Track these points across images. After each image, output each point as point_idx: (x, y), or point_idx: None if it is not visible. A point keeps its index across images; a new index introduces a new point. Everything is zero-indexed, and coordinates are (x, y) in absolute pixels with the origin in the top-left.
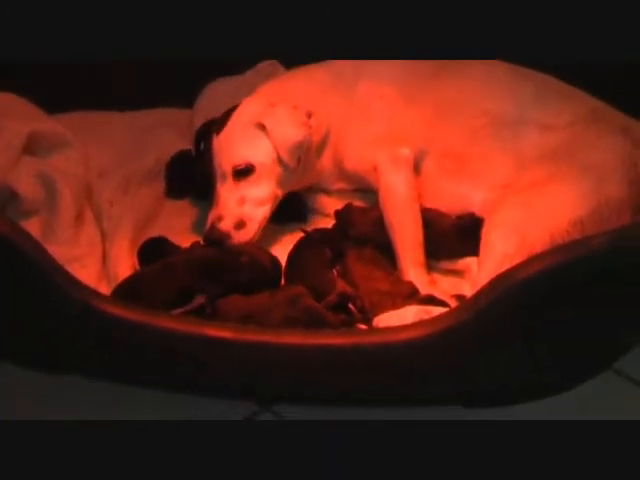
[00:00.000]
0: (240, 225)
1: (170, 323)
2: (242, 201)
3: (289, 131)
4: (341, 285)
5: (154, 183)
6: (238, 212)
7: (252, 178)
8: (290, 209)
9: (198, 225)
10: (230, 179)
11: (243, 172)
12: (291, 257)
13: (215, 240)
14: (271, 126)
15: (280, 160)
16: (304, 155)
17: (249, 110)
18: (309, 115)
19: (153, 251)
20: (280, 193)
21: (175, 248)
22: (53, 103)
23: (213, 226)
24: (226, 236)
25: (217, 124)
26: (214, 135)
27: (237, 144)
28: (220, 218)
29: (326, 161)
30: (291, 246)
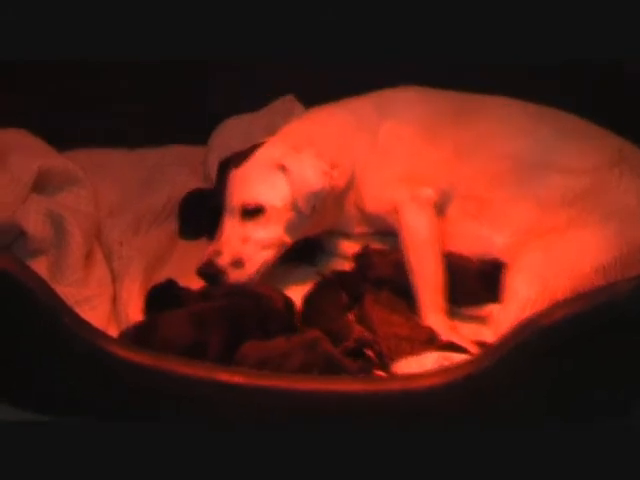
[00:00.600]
0: (238, 264)
1: (182, 368)
2: (245, 240)
3: (309, 178)
4: (358, 330)
5: (165, 223)
6: (238, 250)
7: (260, 220)
8: (301, 249)
9: None
10: (237, 216)
11: (252, 212)
12: (307, 300)
13: (208, 274)
14: (292, 169)
15: (294, 205)
16: (320, 204)
17: (272, 150)
18: (333, 166)
19: (161, 295)
20: (288, 240)
21: (184, 291)
22: (62, 140)
23: (210, 260)
24: (221, 272)
25: (238, 158)
26: (232, 168)
27: (252, 181)
28: (218, 253)
29: (348, 205)
30: (305, 288)
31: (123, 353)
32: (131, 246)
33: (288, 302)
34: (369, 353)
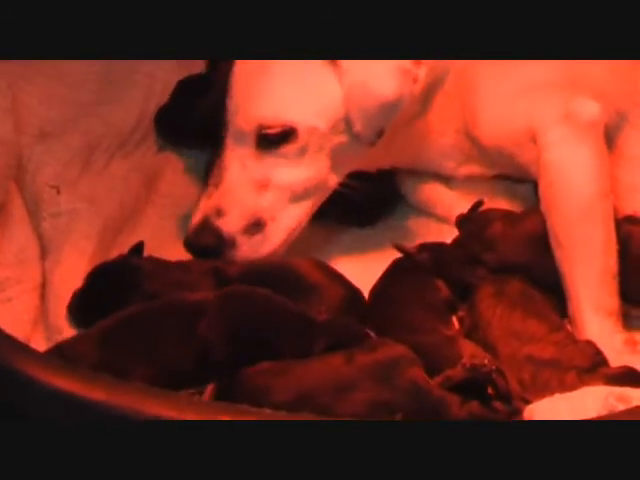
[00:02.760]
0: (256, 227)
1: (152, 406)
2: (264, 186)
3: (377, 79)
4: (469, 348)
5: (137, 152)
6: (253, 204)
7: (289, 149)
8: (359, 200)
9: None
10: (250, 145)
11: (276, 138)
12: (378, 292)
13: (203, 248)
14: (351, 67)
15: (347, 125)
16: (393, 124)
17: None
18: (418, 62)
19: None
20: (334, 180)
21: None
22: None
23: (205, 222)
24: (228, 243)
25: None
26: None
27: (276, 84)
28: (221, 211)
29: (441, 126)
30: (367, 270)
31: (49, 378)
32: (75, 194)
33: (351, 293)
34: (488, 388)
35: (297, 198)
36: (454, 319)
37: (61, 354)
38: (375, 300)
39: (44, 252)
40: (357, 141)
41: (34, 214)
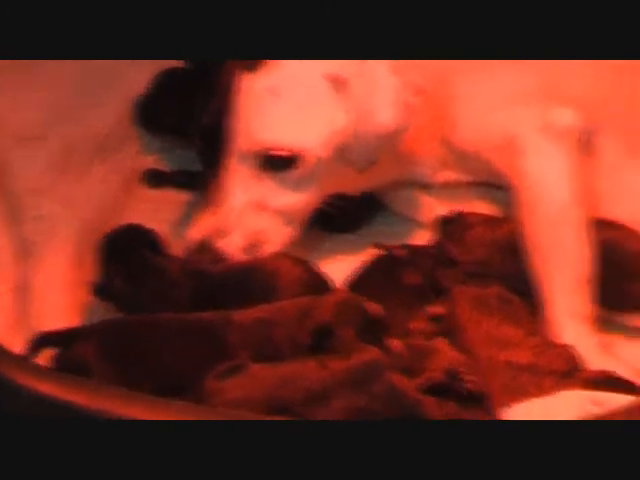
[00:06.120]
0: (252, 249)
1: (131, 410)
2: (262, 207)
3: (382, 113)
4: (447, 352)
5: (115, 156)
6: (253, 226)
7: (293, 174)
8: (341, 208)
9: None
10: (254, 166)
11: (282, 162)
12: (352, 283)
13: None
14: (357, 94)
15: (343, 152)
16: (387, 150)
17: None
18: (419, 91)
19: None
20: (320, 200)
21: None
22: None
23: (208, 242)
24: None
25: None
26: (245, 72)
27: (286, 110)
28: (223, 232)
29: (418, 133)
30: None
31: (28, 380)
32: (55, 197)
33: (320, 282)
34: (465, 390)
35: (291, 220)
36: (430, 322)
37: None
38: (350, 290)
39: (26, 255)
40: (348, 167)
41: (14, 217)
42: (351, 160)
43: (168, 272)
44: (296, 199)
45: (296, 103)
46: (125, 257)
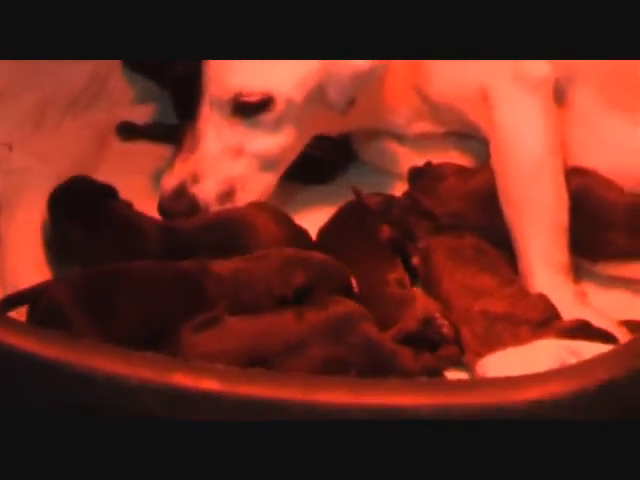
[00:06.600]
0: (227, 196)
1: (108, 364)
2: (238, 153)
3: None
4: (422, 301)
5: (88, 111)
6: (228, 172)
7: (265, 118)
8: (316, 159)
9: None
10: (227, 112)
11: (253, 106)
12: (325, 231)
13: (179, 214)
14: None
15: (320, 94)
16: (364, 93)
17: None
18: None
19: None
20: (301, 145)
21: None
22: None
23: (182, 188)
24: (202, 210)
25: None
26: None
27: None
28: (196, 177)
29: (392, 83)
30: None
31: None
32: (28, 152)
33: (295, 232)
34: (441, 340)
35: (267, 166)
36: (405, 272)
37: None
38: (321, 239)
39: None
40: (328, 109)
41: None
42: (328, 102)
43: (134, 221)
44: (272, 143)
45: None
46: (83, 208)
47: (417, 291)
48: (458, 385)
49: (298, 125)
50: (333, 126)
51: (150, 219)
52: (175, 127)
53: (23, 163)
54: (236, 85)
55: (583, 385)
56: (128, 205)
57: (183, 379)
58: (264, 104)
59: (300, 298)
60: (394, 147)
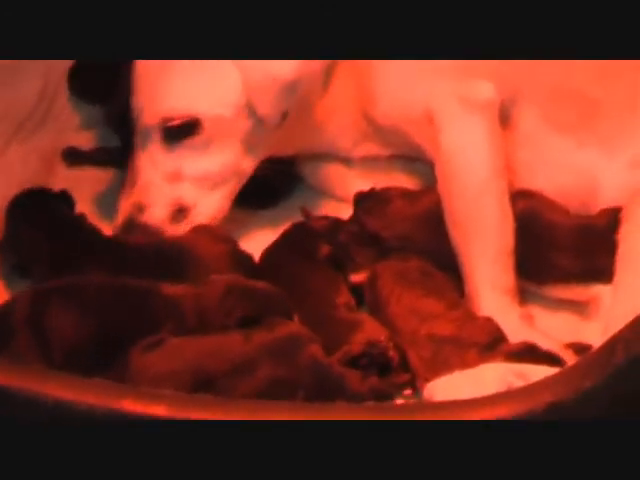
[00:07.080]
0: (181, 213)
1: (60, 391)
2: (176, 178)
3: (276, 62)
4: (369, 325)
5: (33, 138)
6: (173, 194)
7: (196, 140)
8: (259, 183)
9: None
10: (157, 140)
11: (180, 130)
12: (268, 253)
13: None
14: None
15: (251, 111)
16: (298, 105)
17: None
18: None
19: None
20: (250, 165)
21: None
22: None
23: (131, 220)
24: (155, 231)
25: None
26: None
27: (177, 80)
28: (141, 207)
29: (337, 104)
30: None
31: None
32: None
33: (236, 253)
34: (387, 364)
35: (215, 185)
36: (350, 296)
37: None
38: (265, 260)
39: None
40: (263, 125)
41: None
42: (262, 117)
43: (86, 231)
44: (211, 163)
45: (187, 73)
46: (40, 211)
47: (364, 315)
48: (404, 408)
49: (237, 143)
50: (278, 146)
51: (101, 232)
52: (119, 150)
53: None
54: (161, 111)
55: (530, 407)
56: (82, 216)
57: (132, 405)
58: (191, 126)
59: (243, 325)
60: (340, 170)
